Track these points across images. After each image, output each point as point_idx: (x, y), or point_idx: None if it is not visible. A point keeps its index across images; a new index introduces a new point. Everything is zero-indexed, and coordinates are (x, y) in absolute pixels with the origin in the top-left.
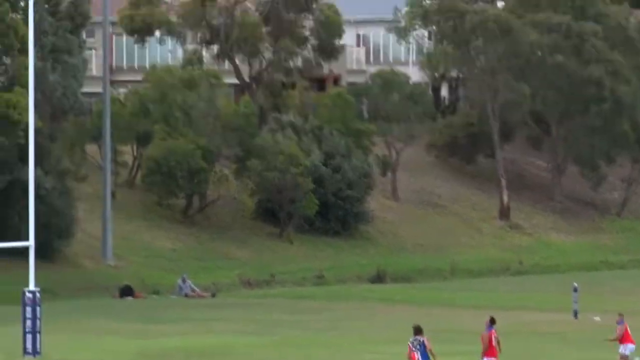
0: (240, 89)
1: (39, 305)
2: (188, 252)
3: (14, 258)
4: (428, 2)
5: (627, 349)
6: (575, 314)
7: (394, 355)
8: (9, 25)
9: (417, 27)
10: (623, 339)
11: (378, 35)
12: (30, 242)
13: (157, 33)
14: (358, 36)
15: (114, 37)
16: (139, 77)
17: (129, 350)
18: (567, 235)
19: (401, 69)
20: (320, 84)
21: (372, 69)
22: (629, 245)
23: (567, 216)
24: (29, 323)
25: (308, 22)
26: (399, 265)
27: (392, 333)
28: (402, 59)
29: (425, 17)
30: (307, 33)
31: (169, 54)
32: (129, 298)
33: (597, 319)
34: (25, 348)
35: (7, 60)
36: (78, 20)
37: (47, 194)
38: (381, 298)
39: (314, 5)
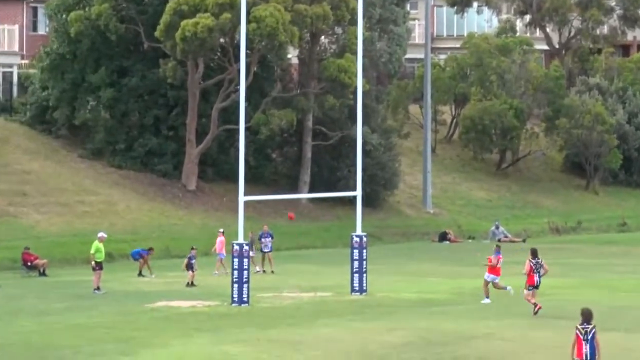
0: (550, 54)
1: (365, 248)
2: (500, 201)
3: (344, 206)
4: None
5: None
6: None
7: None
8: None
9: None
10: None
11: None
12: (358, 192)
13: (475, 4)
14: None
15: (435, 8)
16: (457, 45)
17: (444, 290)
18: None
19: None
20: (624, 49)
21: None
22: None
23: None
24: (356, 264)
25: None
26: None
27: None
28: None
29: None
30: (612, 3)
31: (485, 24)
32: (446, 242)
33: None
34: (352, 286)
35: (339, 30)
36: None
37: (373, 149)
38: None
39: None
